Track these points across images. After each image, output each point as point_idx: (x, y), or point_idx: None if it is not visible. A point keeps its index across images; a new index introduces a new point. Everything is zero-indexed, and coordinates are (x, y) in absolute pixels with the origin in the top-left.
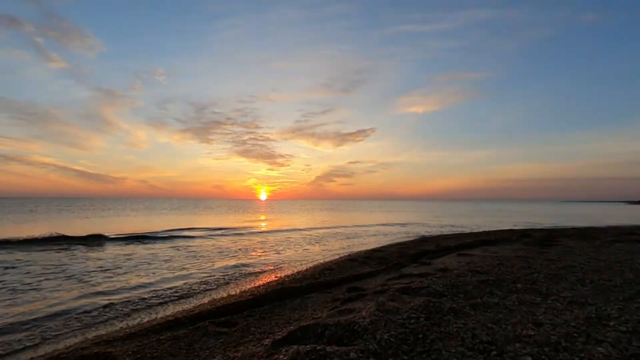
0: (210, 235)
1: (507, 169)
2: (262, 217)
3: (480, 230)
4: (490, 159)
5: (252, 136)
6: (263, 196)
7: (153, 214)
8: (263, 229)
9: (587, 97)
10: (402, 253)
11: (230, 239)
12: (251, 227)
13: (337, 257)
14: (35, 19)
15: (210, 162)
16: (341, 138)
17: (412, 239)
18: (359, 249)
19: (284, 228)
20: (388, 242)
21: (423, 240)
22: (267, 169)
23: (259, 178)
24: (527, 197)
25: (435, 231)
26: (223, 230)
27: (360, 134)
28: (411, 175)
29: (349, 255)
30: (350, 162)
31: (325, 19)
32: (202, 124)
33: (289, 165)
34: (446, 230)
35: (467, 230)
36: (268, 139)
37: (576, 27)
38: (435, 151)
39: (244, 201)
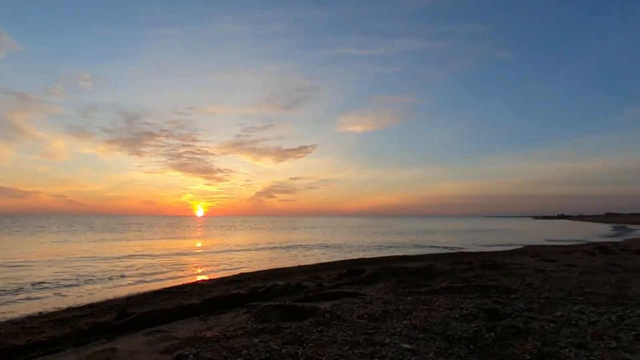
0: None
1: (438, 186)
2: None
3: (317, 262)
4: (423, 177)
5: (189, 149)
6: (200, 212)
7: None
8: None
9: (504, 123)
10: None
11: None
12: None
13: None
14: None
15: (141, 176)
16: (282, 154)
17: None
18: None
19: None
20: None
21: (163, 292)
22: (205, 184)
23: (195, 193)
24: (454, 213)
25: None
26: None
27: (302, 150)
28: (351, 191)
29: None
30: (291, 178)
31: (266, 36)
32: (133, 135)
33: (228, 181)
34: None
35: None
36: (206, 153)
37: (493, 61)
38: (374, 169)
39: (176, 217)
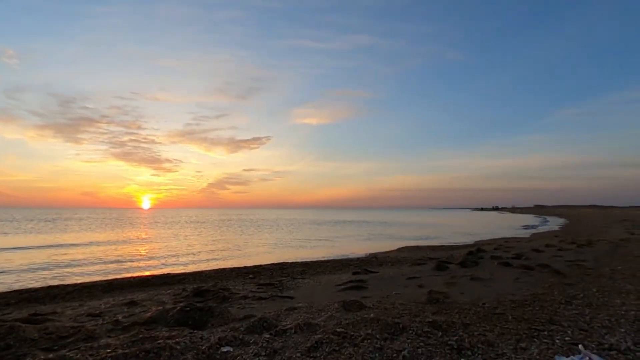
0: None
1: (389, 179)
2: None
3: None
4: (375, 170)
5: (134, 137)
6: (146, 204)
7: None
8: None
9: (450, 121)
10: None
11: None
12: None
13: None
14: None
15: (79, 165)
16: (236, 145)
17: None
18: None
19: None
20: None
21: None
22: (152, 175)
23: (141, 184)
24: (402, 205)
25: None
26: None
27: (256, 141)
28: (305, 184)
29: None
30: (245, 170)
31: (219, 22)
32: (69, 120)
33: (177, 171)
34: None
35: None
36: (153, 142)
37: (443, 61)
38: (328, 161)
39: (117, 210)
